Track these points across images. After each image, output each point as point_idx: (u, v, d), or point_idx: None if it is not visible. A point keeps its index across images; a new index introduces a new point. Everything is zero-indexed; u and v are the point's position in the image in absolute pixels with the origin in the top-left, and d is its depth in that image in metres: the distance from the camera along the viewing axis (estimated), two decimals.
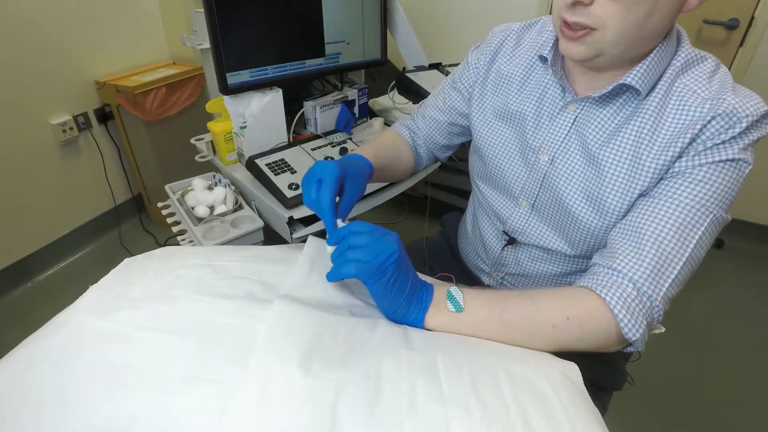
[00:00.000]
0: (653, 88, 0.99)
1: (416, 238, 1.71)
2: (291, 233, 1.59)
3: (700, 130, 0.91)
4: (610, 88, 1.00)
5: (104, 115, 3.23)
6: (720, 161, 0.90)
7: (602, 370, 0.89)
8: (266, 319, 0.82)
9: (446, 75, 2.23)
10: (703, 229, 0.91)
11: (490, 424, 0.68)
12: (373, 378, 0.74)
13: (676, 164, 0.94)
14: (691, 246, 0.91)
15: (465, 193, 3.04)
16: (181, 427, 0.65)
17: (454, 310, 0.93)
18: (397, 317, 0.93)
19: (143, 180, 3.51)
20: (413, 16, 2.22)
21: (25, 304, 2.88)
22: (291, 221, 1.58)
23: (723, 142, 0.90)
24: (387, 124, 2.27)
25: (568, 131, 1.11)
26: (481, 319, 0.93)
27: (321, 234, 1.58)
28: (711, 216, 0.91)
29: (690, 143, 0.93)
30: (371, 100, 2.36)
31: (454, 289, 0.96)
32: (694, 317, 2.77)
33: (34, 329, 0.83)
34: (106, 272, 0.98)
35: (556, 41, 1.08)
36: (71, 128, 3.01)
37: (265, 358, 0.74)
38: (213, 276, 0.96)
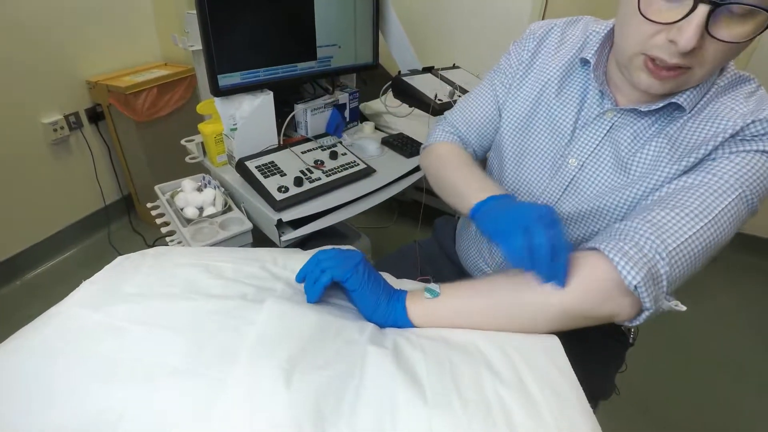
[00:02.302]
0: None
1: (407, 243, 1.71)
2: (279, 236, 1.59)
3: (738, 131, 0.92)
4: (662, 105, 1.00)
5: (95, 115, 3.23)
6: (754, 150, 0.91)
7: (591, 379, 0.88)
8: (257, 319, 0.84)
9: (440, 78, 2.24)
10: (729, 201, 0.89)
11: (470, 419, 0.70)
12: (357, 377, 0.76)
13: (711, 155, 0.95)
14: (714, 213, 0.88)
15: None
16: (170, 419, 0.66)
17: (430, 296, 0.95)
18: (380, 315, 0.95)
19: (133, 180, 3.50)
20: (404, 20, 2.23)
21: (13, 301, 2.87)
22: (280, 224, 1.58)
23: (758, 137, 0.91)
24: (378, 128, 2.28)
25: (603, 138, 1.11)
26: (461, 303, 0.95)
27: (311, 237, 1.59)
28: (739, 191, 0.90)
29: (726, 141, 0.93)
30: (362, 104, 2.36)
31: (431, 284, 0.99)
32: (683, 328, 2.78)
33: (22, 326, 0.84)
34: (95, 272, 0.99)
35: (601, 45, 1.09)
36: (62, 127, 3.01)
37: (254, 357, 0.75)
38: (206, 275, 0.97)
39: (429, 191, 1.36)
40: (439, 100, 2.08)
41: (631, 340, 1.41)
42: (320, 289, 0.95)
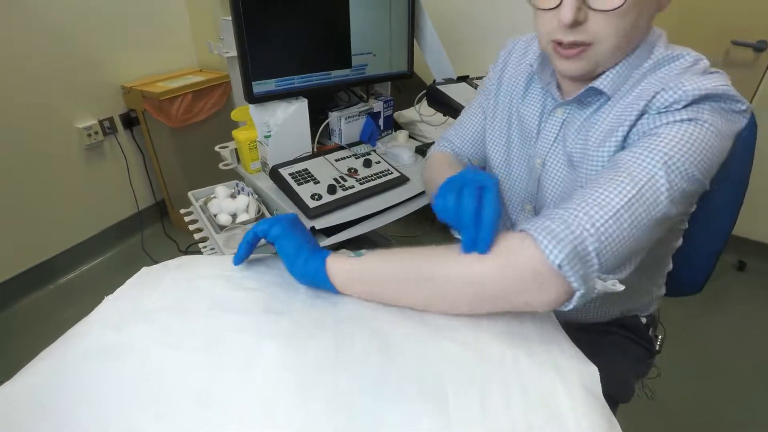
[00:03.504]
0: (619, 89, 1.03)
1: None
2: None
3: (647, 104, 0.94)
4: (580, 92, 1.05)
5: (130, 120, 3.27)
6: (674, 121, 0.89)
7: (610, 380, 0.84)
8: (276, 335, 0.82)
9: (474, 88, 2.22)
10: (654, 172, 0.85)
11: None
12: (380, 399, 0.73)
13: (634, 134, 0.96)
14: (639, 185, 0.84)
15: None
16: None
17: (354, 255, 0.95)
18: (299, 268, 0.95)
19: (167, 186, 3.54)
20: (439, 29, 2.21)
21: (46, 305, 2.91)
22: (313, 232, 1.57)
23: (670, 107, 0.91)
24: (412, 137, 2.27)
25: (557, 135, 1.15)
26: (377, 266, 0.94)
27: (343, 245, 1.58)
28: (664, 160, 0.85)
29: (642, 116, 0.95)
30: (396, 113, 2.36)
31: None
32: (714, 339, 2.75)
33: (55, 331, 0.84)
34: (127, 277, 0.98)
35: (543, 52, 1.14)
36: (96, 132, 3.05)
37: (271, 378, 0.74)
38: (228, 287, 0.96)
39: None
40: None
41: (657, 347, 1.40)
42: (245, 246, 1.00)
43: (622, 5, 0.87)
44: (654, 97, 0.92)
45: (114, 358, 0.78)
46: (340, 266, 0.94)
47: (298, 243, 0.97)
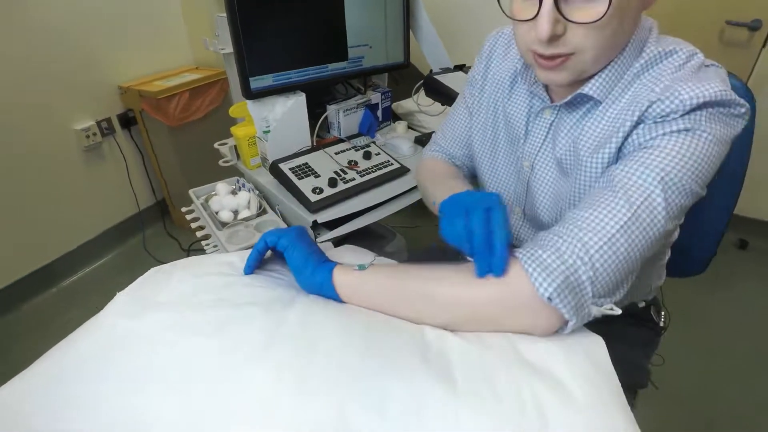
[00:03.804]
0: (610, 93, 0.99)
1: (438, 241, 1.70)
2: (315, 237, 1.58)
3: (643, 113, 0.91)
4: (569, 98, 1.02)
5: (127, 120, 3.27)
6: (670, 132, 0.87)
7: (623, 368, 0.83)
8: (278, 334, 0.82)
9: None
10: (649, 191, 0.84)
11: (502, 413, 0.69)
12: (385, 375, 0.74)
13: (629, 145, 0.93)
14: (635, 207, 0.83)
15: None
16: (207, 422, 0.67)
17: (357, 269, 0.95)
18: (306, 277, 0.97)
19: (167, 185, 3.54)
20: (434, 18, 2.21)
21: (49, 309, 2.91)
22: (315, 225, 1.58)
23: (666, 116, 0.88)
24: (411, 127, 2.27)
25: (545, 137, 1.12)
26: (378, 282, 0.94)
27: (346, 238, 1.58)
28: (661, 176, 0.84)
29: (634, 126, 0.92)
30: (395, 104, 2.35)
31: (373, 260, 1.02)
32: (716, 317, 2.77)
33: (59, 334, 0.84)
34: (131, 278, 0.99)
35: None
36: (94, 134, 3.05)
37: (279, 359, 0.76)
38: (237, 282, 0.98)
39: None
40: None
41: (662, 324, 1.40)
42: (255, 254, 1.02)
43: (601, 18, 0.82)
44: (650, 106, 0.89)
45: (126, 345, 0.80)
46: (345, 281, 0.95)
47: (306, 254, 0.98)
